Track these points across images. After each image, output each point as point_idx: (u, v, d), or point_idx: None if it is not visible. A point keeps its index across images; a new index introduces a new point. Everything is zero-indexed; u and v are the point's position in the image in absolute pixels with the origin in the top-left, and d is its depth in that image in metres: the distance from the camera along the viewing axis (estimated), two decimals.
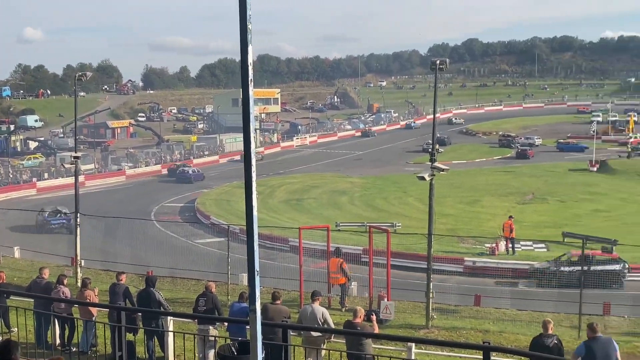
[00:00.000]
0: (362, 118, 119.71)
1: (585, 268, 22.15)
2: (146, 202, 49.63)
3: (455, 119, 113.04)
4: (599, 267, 25.33)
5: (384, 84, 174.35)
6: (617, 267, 26.15)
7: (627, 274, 26.20)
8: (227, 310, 14.05)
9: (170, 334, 12.48)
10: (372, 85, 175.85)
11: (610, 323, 19.07)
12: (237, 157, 72.62)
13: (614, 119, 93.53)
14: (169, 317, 13.36)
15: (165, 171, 66.23)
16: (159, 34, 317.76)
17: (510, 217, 33.09)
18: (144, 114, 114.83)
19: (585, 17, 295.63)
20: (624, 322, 19.50)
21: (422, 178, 18.11)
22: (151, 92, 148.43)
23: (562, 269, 25.97)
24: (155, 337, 12.84)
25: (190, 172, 62.50)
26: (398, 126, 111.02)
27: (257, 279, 4.87)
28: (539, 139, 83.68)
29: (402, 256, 28.00)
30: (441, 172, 18.58)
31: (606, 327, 18.26)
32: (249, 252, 4.80)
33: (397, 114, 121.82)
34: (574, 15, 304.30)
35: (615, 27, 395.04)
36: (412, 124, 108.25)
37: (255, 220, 4.72)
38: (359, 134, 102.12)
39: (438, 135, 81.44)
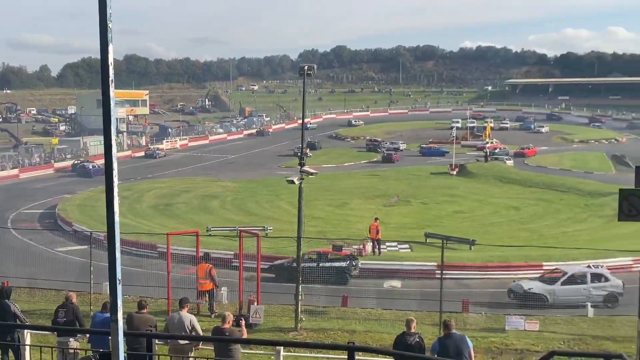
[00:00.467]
0: (234, 122, 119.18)
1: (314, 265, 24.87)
2: (2, 208, 46.64)
3: (355, 120, 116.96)
4: (328, 264, 26.97)
5: (255, 87, 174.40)
6: (343, 264, 27.62)
7: (354, 271, 27.67)
8: (89, 321, 13.50)
9: (27, 348, 11.81)
10: (243, 88, 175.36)
11: (468, 320, 20.17)
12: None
13: (472, 125, 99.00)
14: (25, 330, 12.64)
15: (23, 175, 62.76)
16: (17, 30, 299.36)
17: (376, 219, 34.07)
18: None
19: (446, 28, 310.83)
20: (482, 318, 20.67)
21: (292, 182, 18.33)
22: (8, 91, 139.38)
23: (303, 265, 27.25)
24: (11, 351, 12.11)
25: (91, 167, 63.25)
26: (270, 130, 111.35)
27: (119, 287, 4.72)
28: (404, 143, 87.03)
29: (273, 260, 28.12)
30: (310, 176, 18.89)
31: (465, 323, 19.32)
32: (110, 259, 4.65)
33: (269, 118, 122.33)
34: (435, 25, 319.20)
35: (473, 38, 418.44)
36: (264, 132, 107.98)
37: (117, 226, 4.58)
38: (237, 136, 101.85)
39: (308, 139, 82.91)
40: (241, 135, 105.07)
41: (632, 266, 28.12)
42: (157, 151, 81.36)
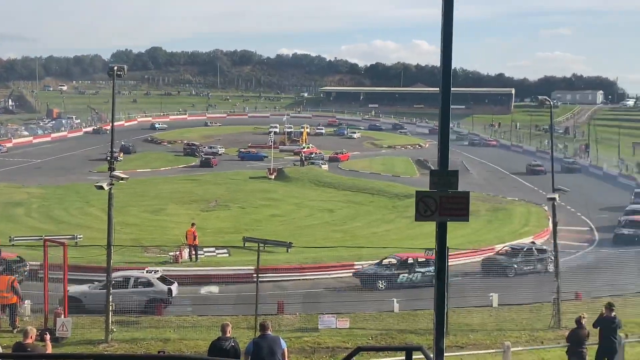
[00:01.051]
0: (41, 124, 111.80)
1: None
2: None
3: (159, 124, 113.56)
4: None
5: (64, 88, 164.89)
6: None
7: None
8: None
9: None
10: (51, 89, 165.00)
11: (283, 321, 20.63)
12: None
13: (289, 130, 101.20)
14: None
15: None
16: None
17: (193, 224, 33.73)
18: None
19: (263, 34, 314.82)
20: (296, 319, 21.23)
21: (101, 187, 17.63)
22: None
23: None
24: None
25: None
26: (81, 133, 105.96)
27: None
28: (222, 148, 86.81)
29: (83, 269, 26.76)
30: (121, 181, 18.28)
31: (280, 325, 19.73)
32: None
33: (79, 120, 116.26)
34: (253, 31, 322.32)
35: (290, 45, 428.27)
36: (100, 130, 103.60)
37: None
38: (44, 139, 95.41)
39: (123, 143, 79.94)
40: (49, 138, 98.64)
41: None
42: None
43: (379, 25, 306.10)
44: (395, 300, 22.99)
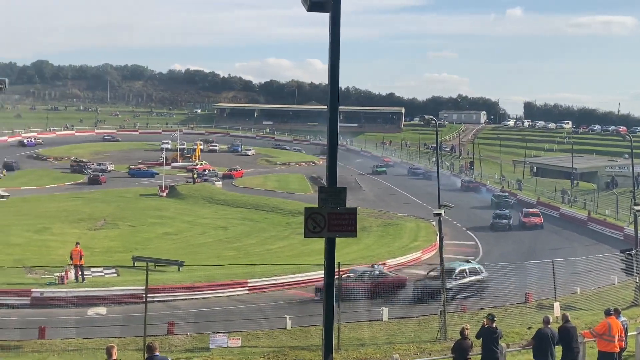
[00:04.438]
0: None
1: None
2: None
3: (28, 140, 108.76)
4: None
5: None
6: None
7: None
8: None
9: None
10: None
11: (174, 342, 20.19)
12: None
13: (182, 146, 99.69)
14: None
15: None
16: None
17: (77, 243, 32.44)
18: None
19: (155, 49, 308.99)
20: (187, 339, 20.83)
21: None
22: None
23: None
24: None
25: None
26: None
27: None
28: (111, 164, 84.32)
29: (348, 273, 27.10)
30: (1, 199, 17.36)
31: (170, 345, 19.31)
32: None
33: None
34: (144, 45, 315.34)
35: (183, 61, 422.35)
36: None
37: None
38: None
39: (5, 159, 76.00)
40: None
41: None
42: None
43: (272, 43, 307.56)
44: (287, 317, 23.04)
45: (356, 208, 8.81)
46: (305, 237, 8.82)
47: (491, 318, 14.67)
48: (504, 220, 48.73)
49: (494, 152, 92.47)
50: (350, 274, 28.47)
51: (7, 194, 16.25)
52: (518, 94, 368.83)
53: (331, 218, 8.45)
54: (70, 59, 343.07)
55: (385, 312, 23.77)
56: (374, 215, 51.13)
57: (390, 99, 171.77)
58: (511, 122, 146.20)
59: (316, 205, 8.61)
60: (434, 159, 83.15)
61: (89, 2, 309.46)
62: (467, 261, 31.66)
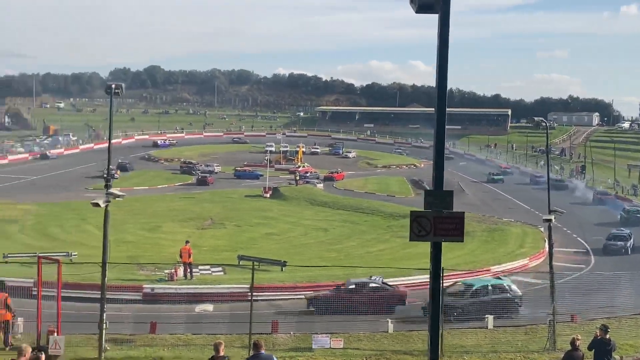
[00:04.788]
0: (37, 141, 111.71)
1: None
2: None
3: (162, 141, 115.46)
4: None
5: (61, 105, 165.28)
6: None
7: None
8: None
9: None
10: (48, 106, 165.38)
11: (277, 340, 20.54)
12: None
13: (285, 149, 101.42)
14: None
15: None
16: None
17: (187, 242, 33.69)
18: None
19: (260, 54, 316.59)
20: (290, 338, 21.14)
21: (97, 204, 17.61)
22: None
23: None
24: None
25: None
26: (77, 150, 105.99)
27: None
28: (218, 166, 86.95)
29: (77, 287, 26.64)
30: (117, 199, 18.27)
31: (274, 344, 19.65)
32: None
33: (75, 138, 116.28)
34: (250, 51, 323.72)
35: (286, 65, 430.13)
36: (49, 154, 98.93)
37: None
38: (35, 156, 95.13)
39: (120, 160, 79.98)
40: (37, 156, 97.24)
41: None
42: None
43: (375, 45, 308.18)
44: (389, 321, 22.92)
45: (463, 212, 8.62)
46: (410, 240, 8.72)
47: (604, 329, 14.02)
48: (619, 243, 41.10)
49: (607, 156, 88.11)
50: (350, 286, 27.25)
51: (122, 193, 17.16)
52: (633, 95, 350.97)
53: (437, 222, 8.31)
54: (181, 65, 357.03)
55: (490, 319, 23.18)
56: (478, 219, 50.00)
57: (496, 101, 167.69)
58: (626, 125, 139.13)
59: (419, 209, 8.50)
60: (542, 162, 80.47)
61: (199, 10, 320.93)
62: (499, 278, 29.62)
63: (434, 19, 8.18)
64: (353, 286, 27.10)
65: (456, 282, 27.55)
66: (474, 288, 26.38)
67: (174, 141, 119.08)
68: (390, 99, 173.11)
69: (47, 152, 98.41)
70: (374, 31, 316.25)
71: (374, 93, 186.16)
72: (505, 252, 40.37)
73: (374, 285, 27.34)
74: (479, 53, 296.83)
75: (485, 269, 34.57)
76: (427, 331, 8.36)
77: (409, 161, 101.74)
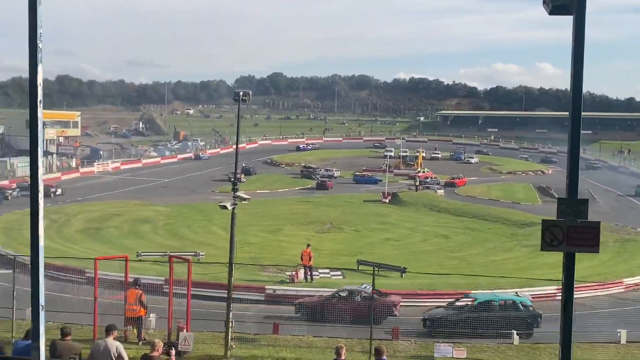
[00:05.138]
0: (169, 145, 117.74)
1: None
2: None
3: (304, 145, 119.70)
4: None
5: (191, 112, 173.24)
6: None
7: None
8: (11, 349, 13.01)
9: None
10: (179, 112, 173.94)
11: (398, 347, 20.38)
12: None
13: (404, 154, 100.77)
14: None
15: None
16: None
17: (308, 245, 34.22)
18: None
19: (380, 58, 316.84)
20: (411, 346, 20.91)
21: (224, 207, 18.22)
22: None
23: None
24: None
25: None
26: (205, 154, 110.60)
27: (42, 314, 4.65)
28: (338, 171, 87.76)
29: (205, 286, 27.75)
30: (243, 202, 18.83)
31: (395, 351, 19.52)
32: (34, 284, 4.58)
33: (203, 143, 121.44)
34: (370, 55, 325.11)
35: (407, 69, 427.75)
36: (201, 155, 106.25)
37: (41, 250, 4.52)
38: (171, 160, 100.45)
39: (243, 165, 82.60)
40: (175, 159, 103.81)
41: (556, 295, 28.99)
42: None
43: (499, 48, 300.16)
44: (515, 332, 22.15)
45: (599, 222, 8.20)
46: (541, 250, 8.36)
47: None
48: None
49: None
50: (342, 293, 26.01)
51: (248, 197, 17.78)
52: None
53: (571, 232, 7.92)
54: (302, 71, 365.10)
55: (623, 334, 21.86)
56: (610, 229, 47.35)
57: (630, 104, 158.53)
58: None
59: (548, 217, 8.16)
60: None
61: (320, 18, 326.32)
62: (516, 294, 26.68)
63: (565, 20, 7.84)
64: (345, 293, 26.11)
65: (460, 298, 26.30)
66: (476, 302, 24.93)
67: (316, 145, 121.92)
68: (515, 102, 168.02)
69: (200, 153, 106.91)
70: (499, 33, 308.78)
71: (498, 96, 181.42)
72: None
73: (365, 294, 25.44)
74: (611, 54, 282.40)
75: (617, 281, 32.73)
76: (550, 343, 8.00)
77: (536, 167, 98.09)
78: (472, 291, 28.25)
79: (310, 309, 25.53)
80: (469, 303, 25.11)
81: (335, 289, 27.17)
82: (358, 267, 35.13)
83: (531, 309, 24.61)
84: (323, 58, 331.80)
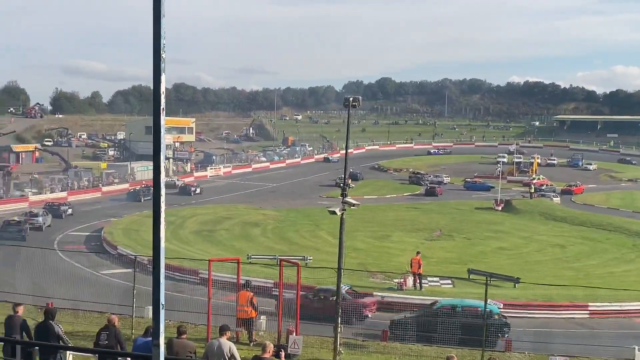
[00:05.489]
0: (277, 150, 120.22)
1: None
2: (50, 230, 47.62)
3: (435, 150, 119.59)
4: None
5: (299, 117, 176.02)
6: None
7: None
8: (131, 345, 13.59)
9: None
10: (287, 118, 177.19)
11: (511, 359, 19.69)
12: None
13: (518, 160, 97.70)
14: (68, 352, 12.79)
15: (71, 198, 64.08)
16: (71, 57, 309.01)
17: (418, 252, 33.76)
18: (51, 139, 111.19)
19: (493, 62, 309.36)
20: (525, 358, 20.15)
21: (334, 212, 18.26)
22: (60, 116, 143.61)
23: None
24: None
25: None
26: (312, 160, 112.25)
27: (162, 312, 4.74)
28: (447, 177, 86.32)
29: (312, 290, 27.99)
30: (352, 207, 18.81)
31: None
32: (155, 284, 4.69)
33: (311, 148, 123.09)
34: (482, 59, 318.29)
35: (521, 73, 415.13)
36: (330, 158, 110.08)
37: (162, 252, 4.62)
38: (279, 164, 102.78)
39: (351, 170, 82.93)
40: (283, 164, 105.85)
41: None
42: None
43: (621, 50, 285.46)
44: (636, 347, 20.84)
45: None
46: None
47: None
48: None
49: None
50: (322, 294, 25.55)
51: (357, 202, 17.78)
52: None
53: None
54: (412, 76, 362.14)
55: None
56: None
57: None
58: None
59: None
60: None
61: (431, 21, 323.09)
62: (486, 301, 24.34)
63: None
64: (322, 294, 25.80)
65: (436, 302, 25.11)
66: (435, 307, 23.73)
67: (448, 150, 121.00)
68: (637, 106, 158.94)
69: (329, 156, 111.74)
70: (620, 34, 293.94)
71: (619, 101, 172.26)
72: None
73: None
74: None
75: None
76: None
77: None
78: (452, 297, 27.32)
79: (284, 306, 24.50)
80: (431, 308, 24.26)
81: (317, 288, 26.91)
82: (469, 277, 34.28)
83: (497, 317, 23.06)
84: (433, 62, 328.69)
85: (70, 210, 55.17)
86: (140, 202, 61.60)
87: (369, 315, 25.76)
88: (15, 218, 46.52)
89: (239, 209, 60.50)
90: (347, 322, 22.01)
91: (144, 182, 72.76)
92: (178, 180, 75.81)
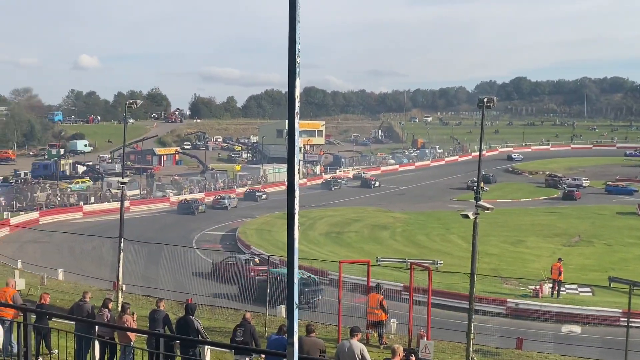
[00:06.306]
0: (406, 153, 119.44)
1: None
2: (189, 229, 50.07)
3: (515, 155, 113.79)
4: None
5: (429, 119, 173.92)
6: None
7: None
8: (264, 342, 13.96)
9: None
10: (417, 120, 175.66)
11: None
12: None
13: None
14: (206, 346, 13.33)
15: (209, 199, 66.87)
16: (207, 64, 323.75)
17: (560, 259, 32.39)
18: (190, 143, 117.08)
19: (635, 59, 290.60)
20: None
21: (467, 216, 17.84)
22: (198, 121, 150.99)
23: None
24: None
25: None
26: (443, 162, 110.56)
27: (296, 311, 4.80)
28: (587, 180, 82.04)
29: (443, 295, 27.57)
30: (486, 211, 18.29)
31: None
32: (289, 284, 4.74)
33: (441, 150, 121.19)
34: (624, 57, 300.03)
35: None
36: (513, 156, 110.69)
37: (296, 252, 4.67)
38: (409, 167, 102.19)
39: (483, 173, 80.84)
40: (413, 167, 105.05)
41: None
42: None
43: None
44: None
45: None
46: None
47: None
48: None
49: None
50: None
51: (491, 206, 17.23)
52: None
53: None
54: (547, 75, 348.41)
55: None
56: None
57: None
58: None
59: None
60: None
61: (567, 20, 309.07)
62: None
63: None
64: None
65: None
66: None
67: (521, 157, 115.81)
68: None
69: (512, 155, 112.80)
70: None
71: None
72: None
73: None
74: None
75: None
76: None
77: None
78: None
79: None
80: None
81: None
82: (610, 285, 32.39)
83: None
84: (570, 61, 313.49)
85: (234, 203, 64.43)
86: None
87: None
88: (187, 199, 62.32)
89: (367, 211, 60.68)
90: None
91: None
92: (364, 173, 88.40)
